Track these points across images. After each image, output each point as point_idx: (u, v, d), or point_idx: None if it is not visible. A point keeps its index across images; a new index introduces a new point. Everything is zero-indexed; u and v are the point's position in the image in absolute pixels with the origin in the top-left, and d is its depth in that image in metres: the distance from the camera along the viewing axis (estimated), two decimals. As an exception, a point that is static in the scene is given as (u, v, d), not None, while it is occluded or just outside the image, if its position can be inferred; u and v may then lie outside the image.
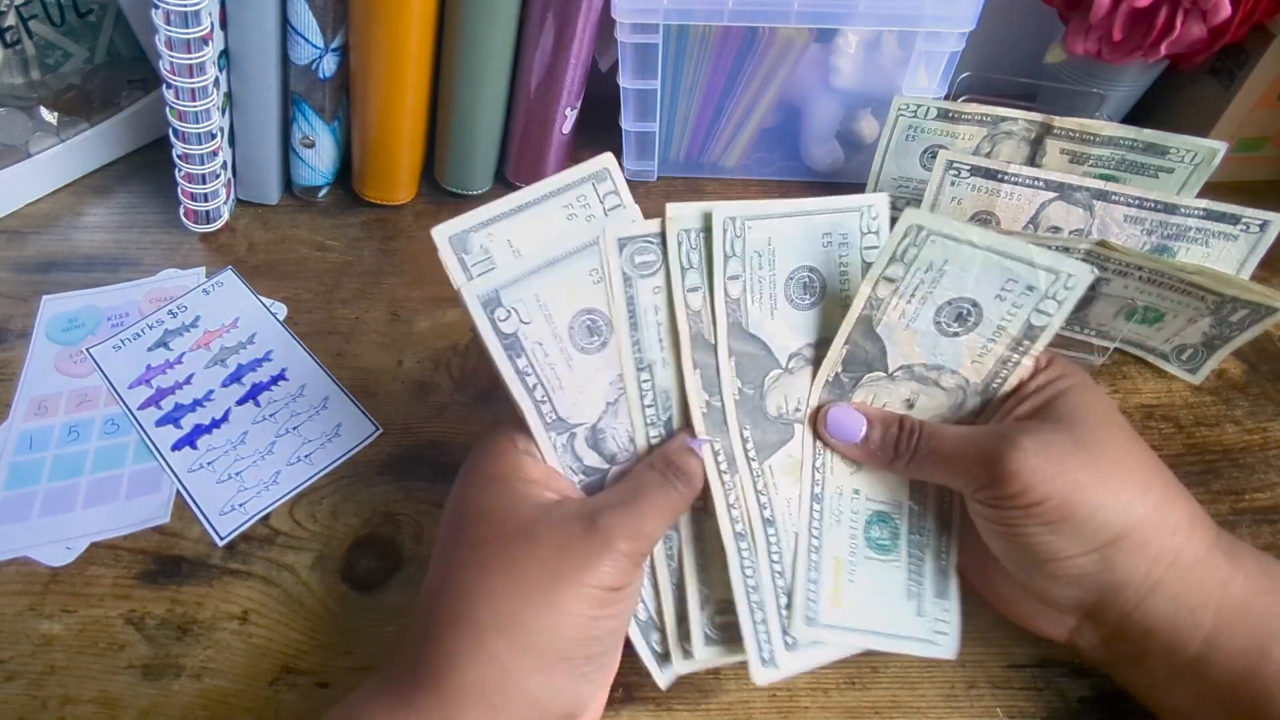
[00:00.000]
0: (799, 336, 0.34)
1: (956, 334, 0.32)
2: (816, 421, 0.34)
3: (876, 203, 0.34)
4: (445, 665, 0.27)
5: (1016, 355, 0.32)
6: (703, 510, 0.33)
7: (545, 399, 0.31)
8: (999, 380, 0.32)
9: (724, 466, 0.32)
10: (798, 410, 0.34)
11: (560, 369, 0.31)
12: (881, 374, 0.33)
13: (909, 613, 0.33)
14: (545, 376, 0.31)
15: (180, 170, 0.50)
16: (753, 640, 0.31)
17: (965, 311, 0.31)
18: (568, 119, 0.53)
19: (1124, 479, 0.29)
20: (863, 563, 0.33)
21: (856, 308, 0.32)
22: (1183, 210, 0.45)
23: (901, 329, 0.32)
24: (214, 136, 0.48)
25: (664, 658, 0.33)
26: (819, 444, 0.34)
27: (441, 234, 0.30)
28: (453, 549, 0.29)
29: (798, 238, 0.33)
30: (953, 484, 0.32)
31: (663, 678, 0.33)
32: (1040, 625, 0.32)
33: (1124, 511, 0.28)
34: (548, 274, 0.30)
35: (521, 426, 0.31)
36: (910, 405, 0.34)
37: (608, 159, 0.31)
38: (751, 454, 0.32)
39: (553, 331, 0.31)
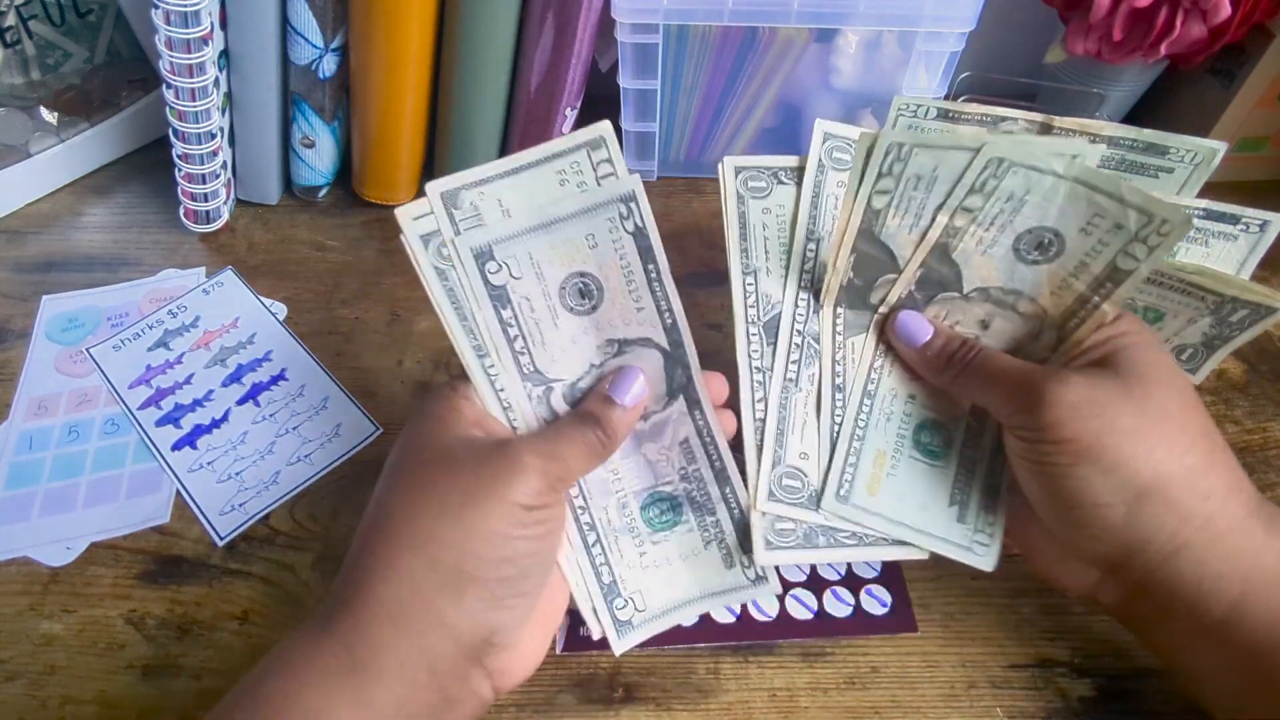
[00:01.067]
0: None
1: (1036, 261, 0.32)
2: (885, 324, 0.35)
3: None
4: (361, 584, 0.28)
5: (1098, 297, 0.31)
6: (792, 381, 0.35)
7: (525, 350, 0.31)
8: (1077, 320, 0.32)
9: (811, 342, 0.35)
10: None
11: (545, 325, 0.32)
12: (956, 294, 0.34)
13: (949, 517, 0.34)
14: (528, 330, 0.31)
15: (180, 170, 0.50)
16: (836, 471, 0.34)
17: (1047, 240, 0.31)
18: (568, 119, 0.53)
19: (1164, 436, 0.28)
20: (906, 460, 0.34)
21: (931, 237, 0.32)
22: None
23: (979, 254, 0.32)
24: (214, 136, 0.48)
25: (624, 625, 0.33)
26: (882, 347, 0.35)
27: (435, 188, 0.30)
28: (383, 481, 0.30)
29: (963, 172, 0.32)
30: (992, 406, 0.32)
31: (619, 645, 0.33)
32: (1063, 577, 0.32)
33: (1156, 466, 0.28)
34: (542, 235, 0.31)
35: (463, 375, 0.31)
36: (985, 326, 0.34)
37: (604, 127, 0.31)
38: (839, 329, 0.35)
39: (543, 289, 0.31)
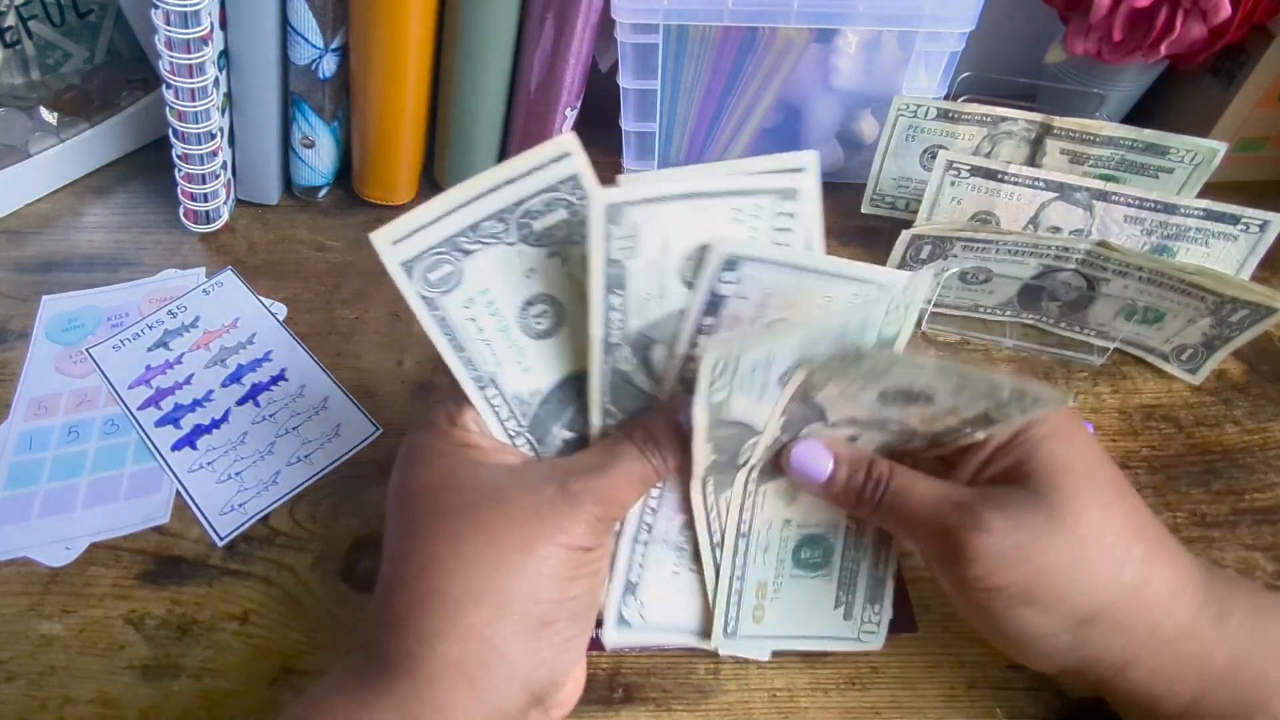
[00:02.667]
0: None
1: (905, 406, 0.30)
2: (780, 457, 0.32)
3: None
4: (419, 647, 0.26)
5: (970, 429, 0.30)
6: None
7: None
8: (951, 437, 0.31)
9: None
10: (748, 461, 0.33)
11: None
12: (821, 424, 0.32)
13: (836, 618, 0.35)
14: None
15: (180, 170, 0.50)
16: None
17: (915, 396, 0.29)
18: (568, 119, 0.53)
19: (1098, 557, 0.27)
20: (789, 582, 0.34)
21: (789, 391, 0.29)
22: (1183, 210, 0.45)
23: (841, 400, 0.30)
24: (214, 136, 0.48)
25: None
26: (751, 484, 0.33)
27: (388, 237, 0.27)
28: (412, 527, 0.28)
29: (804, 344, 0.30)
30: (914, 546, 0.31)
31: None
32: (1027, 664, 0.31)
33: (1095, 594, 0.27)
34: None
35: (458, 396, 0.30)
36: (854, 439, 0.32)
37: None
38: (710, 490, 0.32)
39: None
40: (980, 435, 0.30)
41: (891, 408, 0.30)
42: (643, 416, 0.31)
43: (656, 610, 0.34)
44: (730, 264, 0.28)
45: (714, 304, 0.29)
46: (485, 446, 0.30)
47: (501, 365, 0.30)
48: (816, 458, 0.31)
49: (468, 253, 0.28)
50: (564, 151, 0.28)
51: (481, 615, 0.26)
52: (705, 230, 0.28)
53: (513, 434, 0.31)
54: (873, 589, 0.35)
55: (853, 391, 0.29)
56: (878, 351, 0.29)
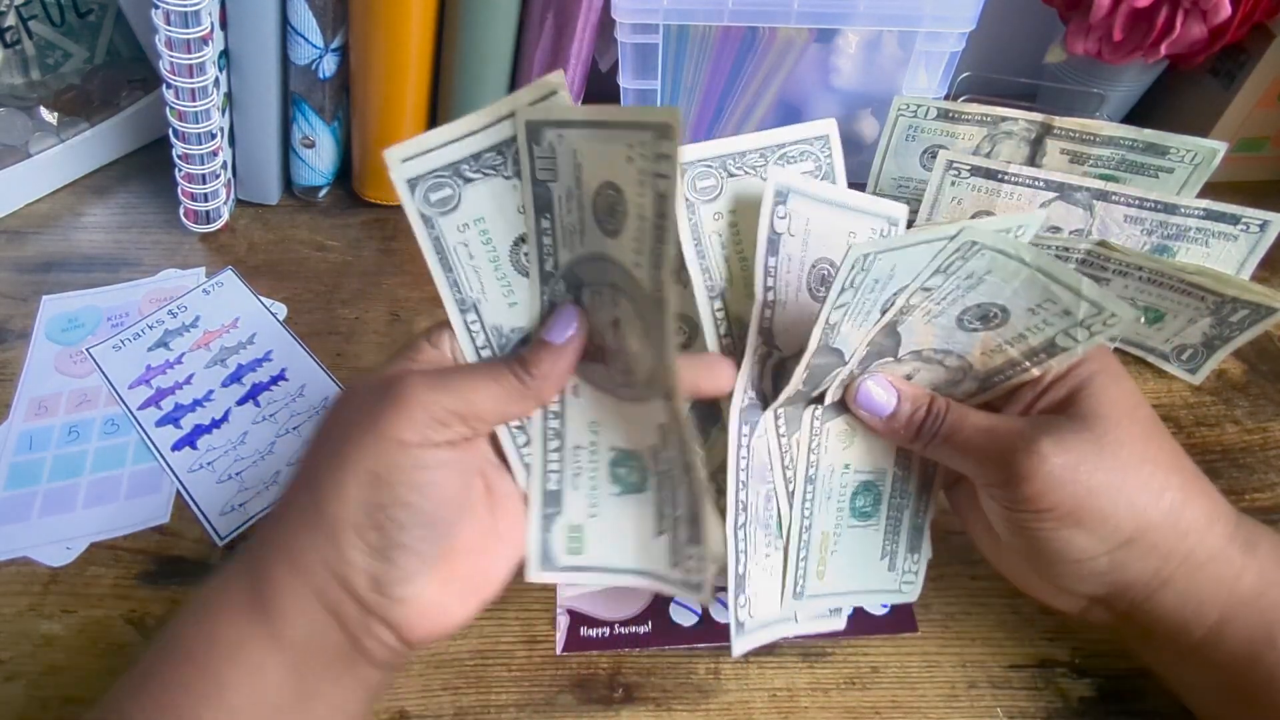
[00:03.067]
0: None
1: (975, 329, 0.32)
2: (847, 393, 0.33)
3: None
4: (269, 525, 0.28)
5: (1029, 364, 0.31)
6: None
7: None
8: (1002, 377, 0.32)
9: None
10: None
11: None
12: (890, 359, 0.33)
13: (881, 569, 0.35)
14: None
15: (180, 170, 0.50)
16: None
17: (992, 314, 0.31)
18: (568, 119, 0.53)
19: (1140, 482, 0.29)
20: (846, 532, 0.34)
21: (883, 322, 0.31)
22: (1183, 210, 0.45)
23: (922, 323, 0.32)
24: (214, 136, 0.48)
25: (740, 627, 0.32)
26: (816, 423, 0.34)
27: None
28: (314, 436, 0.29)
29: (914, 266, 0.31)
30: (968, 474, 0.32)
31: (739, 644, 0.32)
32: (1053, 602, 0.32)
33: (1138, 516, 0.28)
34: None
35: (440, 329, 0.30)
36: (909, 378, 0.34)
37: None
38: (781, 430, 0.33)
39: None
40: (1035, 371, 0.31)
41: (962, 333, 0.31)
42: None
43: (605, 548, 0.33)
44: (781, 196, 0.30)
45: (773, 242, 0.30)
46: (429, 358, 0.30)
47: (486, 294, 0.31)
48: (883, 391, 0.32)
49: (468, 180, 0.29)
50: (552, 89, 0.28)
51: (300, 502, 0.27)
52: (616, 170, 0.28)
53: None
54: (913, 537, 0.35)
55: (938, 309, 0.31)
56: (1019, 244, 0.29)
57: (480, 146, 0.29)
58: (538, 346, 0.29)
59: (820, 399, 0.33)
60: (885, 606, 0.37)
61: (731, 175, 0.32)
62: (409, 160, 0.29)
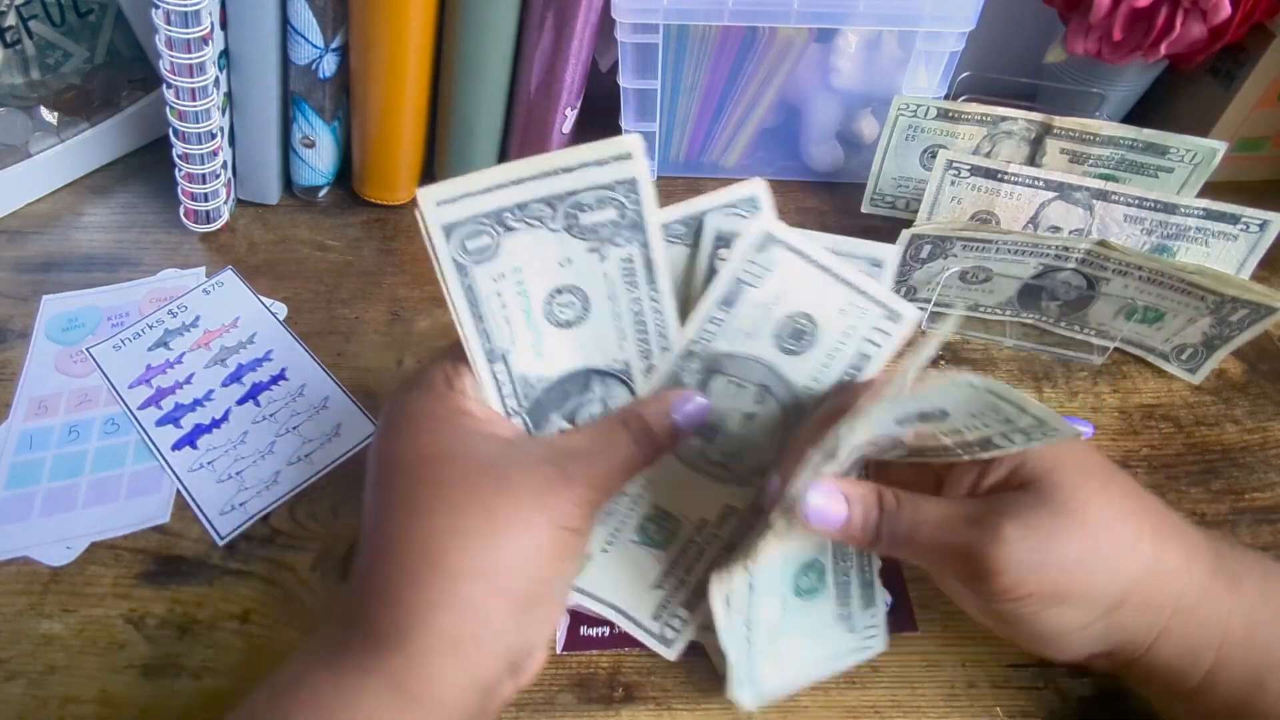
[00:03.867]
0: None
1: (913, 424, 0.29)
2: (793, 512, 0.30)
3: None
4: (411, 618, 0.25)
5: (961, 453, 0.29)
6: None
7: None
8: (933, 455, 0.30)
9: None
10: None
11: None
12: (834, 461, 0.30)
13: (840, 634, 0.34)
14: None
15: (180, 170, 0.50)
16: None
17: (933, 415, 0.29)
18: (568, 119, 0.53)
19: (1114, 543, 0.28)
20: (794, 614, 0.33)
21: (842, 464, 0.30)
22: (1183, 210, 0.45)
23: (864, 432, 0.29)
24: (214, 136, 0.48)
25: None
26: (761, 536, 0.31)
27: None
28: (406, 497, 0.27)
29: None
30: (932, 572, 0.31)
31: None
32: (1055, 658, 0.31)
33: (1120, 578, 0.28)
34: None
35: (456, 361, 0.30)
36: (832, 453, 0.29)
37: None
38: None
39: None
40: (966, 458, 0.29)
41: (899, 427, 0.29)
42: (637, 404, 0.31)
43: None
44: (762, 245, 0.29)
45: (733, 293, 0.30)
46: (479, 415, 0.29)
47: (515, 344, 0.30)
48: (832, 502, 0.29)
49: (510, 229, 0.29)
50: (626, 151, 0.28)
51: (477, 590, 0.26)
52: (816, 303, 0.30)
53: (510, 411, 0.31)
54: (865, 595, 0.34)
55: (880, 420, 0.29)
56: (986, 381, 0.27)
57: (528, 196, 0.28)
58: (663, 420, 0.30)
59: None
60: (885, 604, 0.37)
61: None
62: (445, 204, 0.27)
